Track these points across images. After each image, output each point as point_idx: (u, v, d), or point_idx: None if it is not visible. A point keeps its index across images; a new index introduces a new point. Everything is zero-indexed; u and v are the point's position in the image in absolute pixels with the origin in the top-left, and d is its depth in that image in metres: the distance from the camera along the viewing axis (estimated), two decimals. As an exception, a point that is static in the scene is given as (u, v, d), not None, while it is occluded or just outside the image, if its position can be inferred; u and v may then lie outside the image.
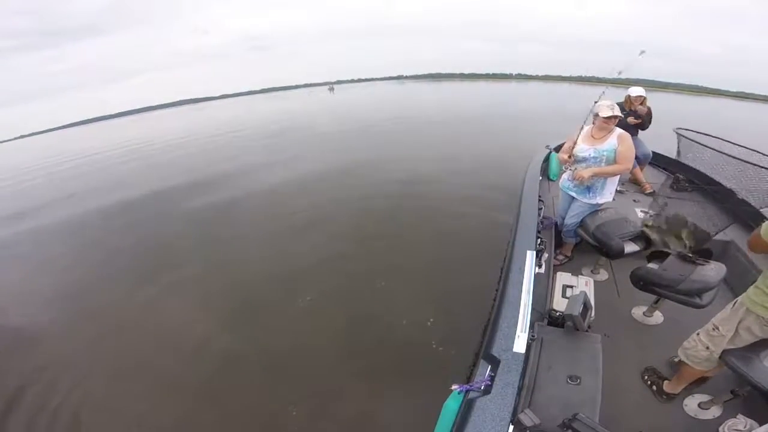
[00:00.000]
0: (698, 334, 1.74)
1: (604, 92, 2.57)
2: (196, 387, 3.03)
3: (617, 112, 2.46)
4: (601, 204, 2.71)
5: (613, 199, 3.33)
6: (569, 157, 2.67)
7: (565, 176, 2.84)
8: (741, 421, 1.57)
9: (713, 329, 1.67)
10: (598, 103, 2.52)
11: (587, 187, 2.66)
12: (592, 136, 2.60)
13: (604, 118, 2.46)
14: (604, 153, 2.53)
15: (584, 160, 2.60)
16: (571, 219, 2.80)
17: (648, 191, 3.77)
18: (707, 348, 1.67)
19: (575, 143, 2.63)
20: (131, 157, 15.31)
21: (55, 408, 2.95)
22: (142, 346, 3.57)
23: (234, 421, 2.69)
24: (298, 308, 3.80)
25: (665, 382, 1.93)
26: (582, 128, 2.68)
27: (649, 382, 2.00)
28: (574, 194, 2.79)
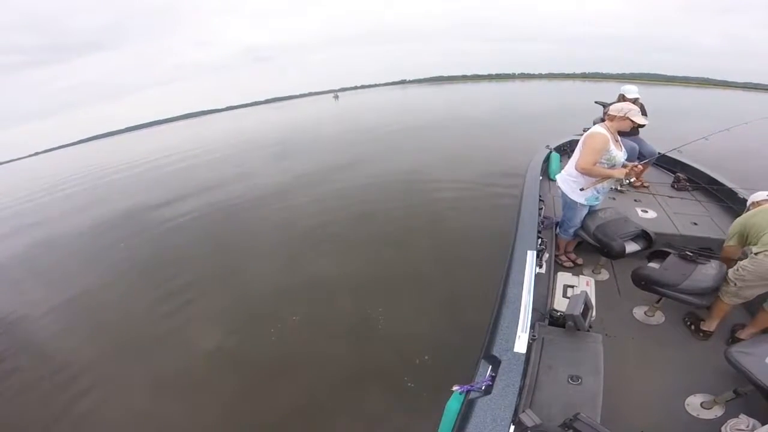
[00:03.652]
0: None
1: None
2: (200, 391, 3.13)
3: None
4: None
5: (614, 199, 3.32)
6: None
7: (588, 194, 2.59)
8: (743, 421, 1.56)
9: (736, 268, 1.99)
10: (627, 107, 2.44)
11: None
12: (616, 141, 2.55)
13: (641, 125, 2.49)
14: (627, 154, 2.62)
15: (620, 164, 2.55)
16: None
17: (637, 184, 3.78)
18: (735, 284, 2.00)
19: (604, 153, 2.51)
20: (145, 168, 15.64)
21: (69, 411, 3.08)
22: (154, 355, 3.67)
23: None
24: (303, 321, 3.84)
25: (701, 322, 2.20)
26: (602, 135, 2.45)
27: (689, 323, 2.28)
28: (602, 196, 2.74)
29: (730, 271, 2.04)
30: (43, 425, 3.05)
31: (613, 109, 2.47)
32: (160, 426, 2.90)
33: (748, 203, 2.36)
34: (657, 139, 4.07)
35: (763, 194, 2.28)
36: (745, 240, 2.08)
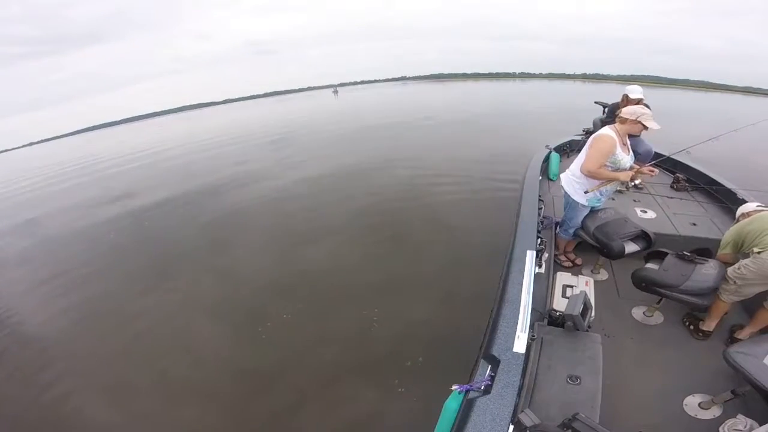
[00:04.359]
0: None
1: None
2: (197, 390, 3.11)
3: None
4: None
5: (613, 199, 3.31)
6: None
7: (591, 195, 2.56)
8: (741, 421, 1.57)
9: (737, 267, 2.03)
10: (640, 110, 2.38)
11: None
12: (624, 144, 2.49)
13: (652, 129, 2.41)
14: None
15: (626, 167, 2.51)
16: None
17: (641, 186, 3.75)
18: (735, 283, 2.02)
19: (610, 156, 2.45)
20: (141, 162, 15.48)
21: (62, 408, 3.06)
22: (148, 351, 3.64)
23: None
24: (294, 320, 3.79)
25: (700, 322, 2.24)
26: (609, 137, 2.40)
27: (687, 323, 2.30)
28: (605, 198, 2.71)
29: (730, 269, 2.06)
30: (27, 417, 3.05)
31: (626, 112, 2.41)
32: (147, 422, 2.88)
33: (737, 214, 2.38)
34: (658, 141, 4.05)
35: (753, 205, 2.34)
36: (739, 247, 2.11)
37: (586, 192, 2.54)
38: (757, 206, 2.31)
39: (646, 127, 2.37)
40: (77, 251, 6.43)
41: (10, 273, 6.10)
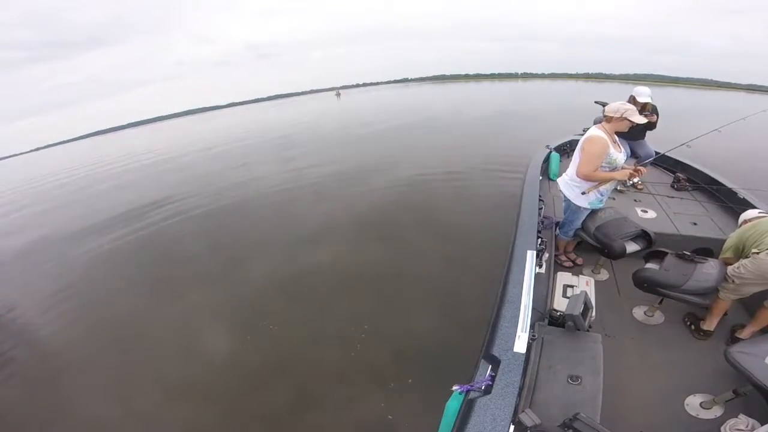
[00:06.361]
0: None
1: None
2: (203, 393, 3.12)
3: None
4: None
5: (614, 199, 3.31)
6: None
7: (592, 197, 2.57)
8: (742, 421, 1.57)
9: (737, 266, 2.06)
10: (623, 107, 2.35)
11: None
12: (614, 142, 2.48)
13: (641, 124, 2.43)
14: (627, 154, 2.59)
15: (621, 165, 2.51)
16: None
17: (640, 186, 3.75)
18: (733, 282, 2.04)
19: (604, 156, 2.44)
20: (147, 167, 15.56)
21: (71, 412, 3.10)
22: (155, 355, 3.66)
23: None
24: (282, 329, 3.74)
25: (701, 321, 2.25)
26: (600, 139, 2.38)
27: (688, 323, 2.32)
28: (605, 198, 2.69)
29: (730, 268, 2.08)
30: (31, 418, 3.10)
31: (609, 110, 2.41)
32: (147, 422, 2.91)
33: (739, 221, 2.40)
34: (660, 140, 4.04)
35: (755, 212, 2.37)
36: (741, 251, 2.14)
37: (583, 193, 2.55)
38: (759, 213, 2.34)
39: (633, 123, 2.36)
40: (71, 256, 6.46)
41: (16, 276, 6.17)
